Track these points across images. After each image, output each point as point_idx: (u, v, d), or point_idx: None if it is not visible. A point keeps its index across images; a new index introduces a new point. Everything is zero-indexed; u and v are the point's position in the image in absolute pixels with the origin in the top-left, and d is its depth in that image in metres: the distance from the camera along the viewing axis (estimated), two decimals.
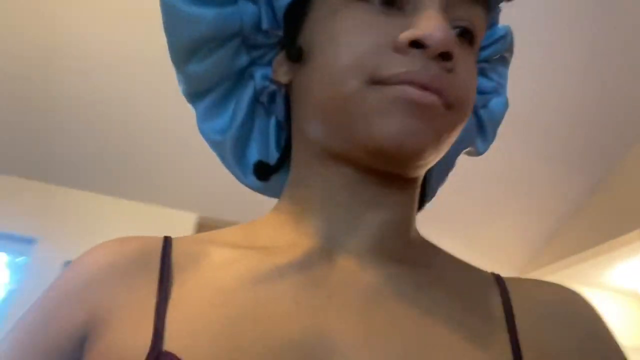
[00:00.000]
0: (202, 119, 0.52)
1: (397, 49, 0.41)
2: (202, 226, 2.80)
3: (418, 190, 0.49)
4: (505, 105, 0.55)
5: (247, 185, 0.55)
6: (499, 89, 0.55)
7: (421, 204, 0.53)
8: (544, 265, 2.78)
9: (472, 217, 2.68)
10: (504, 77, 0.55)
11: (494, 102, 0.54)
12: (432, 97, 0.40)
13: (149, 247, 0.45)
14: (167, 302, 0.40)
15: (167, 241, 0.46)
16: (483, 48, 0.53)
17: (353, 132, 0.41)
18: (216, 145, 0.53)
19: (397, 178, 0.45)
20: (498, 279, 0.48)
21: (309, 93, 0.45)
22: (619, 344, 0.44)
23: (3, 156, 2.51)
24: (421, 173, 0.47)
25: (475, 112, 0.54)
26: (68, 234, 2.49)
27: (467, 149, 0.56)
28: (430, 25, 0.40)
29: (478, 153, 0.56)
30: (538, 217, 2.73)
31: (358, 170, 0.44)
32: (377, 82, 0.41)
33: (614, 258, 2.42)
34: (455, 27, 0.44)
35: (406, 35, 0.40)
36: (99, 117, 2.36)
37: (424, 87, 0.40)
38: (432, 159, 0.43)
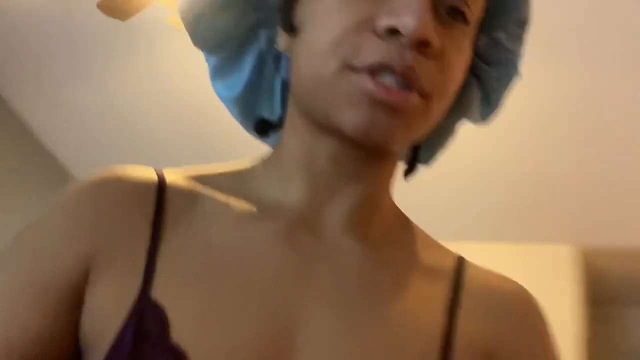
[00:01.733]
0: (214, 75, 0.54)
1: (377, 33, 0.40)
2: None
3: (397, 163, 0.50)
4: (515, 73, 0.51)
5: (261, 140, 0.57)
6: (513, 58, 0.51)
7: (412, 169, 0.53)
8: None
9: None
10: (519, 42, 0.51)
11: (503, 72, 0.51)
12: (399, 95, 0.40)
13: (144, 182, 0.46)
14: (159, 248, 0.43)
15: (160, 179, 0.47)
16: (498, 17, 0.48)
17: (328, 114, 0.42)
18: (227, 102, 0.55)
19: (379, 152, 0.46)
20: (461, 262, 0.51)
21: (297, 67, 0.46)
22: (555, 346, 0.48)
23: None
24: (403, 148, 0.47)
25: (480, 78, 0.51)
26: None
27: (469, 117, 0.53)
28: (406, 11, 0.39)
29: (481, 120, 0.54)
30: None
31: (342, 142, 0.45)
32: (350, 68, 0.41)
33: None
34: (445, 6, 0.42)
35: (383, 22, 0.40)
36: None
37: (401, 76, 0.40)
38: (406, 145, 0.44)
